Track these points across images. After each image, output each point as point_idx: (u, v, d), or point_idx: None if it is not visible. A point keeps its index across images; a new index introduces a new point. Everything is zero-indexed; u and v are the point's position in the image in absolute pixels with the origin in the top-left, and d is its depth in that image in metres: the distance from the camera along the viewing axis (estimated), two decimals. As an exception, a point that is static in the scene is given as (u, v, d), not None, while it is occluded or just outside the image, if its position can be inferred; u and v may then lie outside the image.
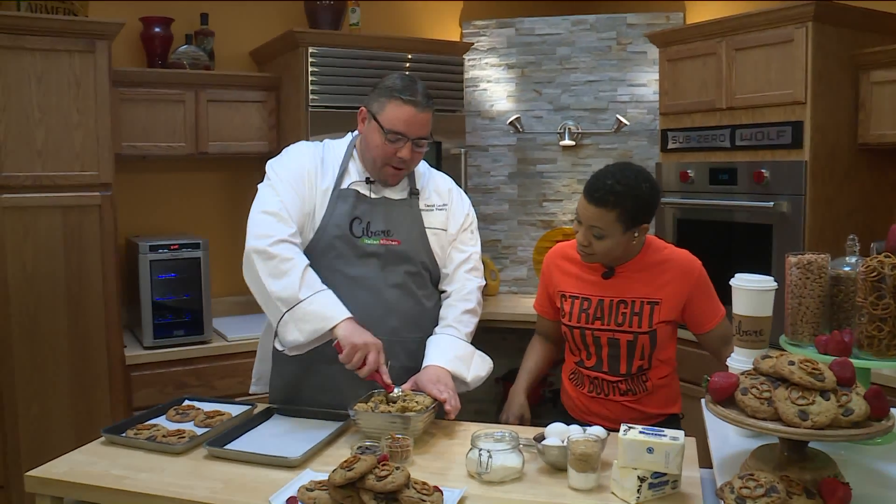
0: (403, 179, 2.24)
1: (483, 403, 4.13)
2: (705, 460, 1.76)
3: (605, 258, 2.17)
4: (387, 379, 2.00)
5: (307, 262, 2.06)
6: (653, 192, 2.12)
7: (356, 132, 2.26)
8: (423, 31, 4.38)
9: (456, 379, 2.12)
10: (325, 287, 2.04)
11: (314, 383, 2.19)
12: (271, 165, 2.20)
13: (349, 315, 2.00)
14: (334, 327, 1.97)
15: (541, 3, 4.64)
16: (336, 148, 2.26)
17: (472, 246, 2.32)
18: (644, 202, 2.09)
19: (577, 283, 2.26)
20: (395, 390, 1.99)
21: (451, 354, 2.14)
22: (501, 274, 4.38)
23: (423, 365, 2.12)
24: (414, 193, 2.25)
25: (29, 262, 2.98)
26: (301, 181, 2.15)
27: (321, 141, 2.30)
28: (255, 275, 2.04)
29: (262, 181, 2.19)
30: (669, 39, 3.63)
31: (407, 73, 2.95)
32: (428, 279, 2.28)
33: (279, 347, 2.11)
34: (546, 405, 4.01)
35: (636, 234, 2.13)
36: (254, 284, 2.06)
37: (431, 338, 2.20)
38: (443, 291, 2.31)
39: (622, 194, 2.05)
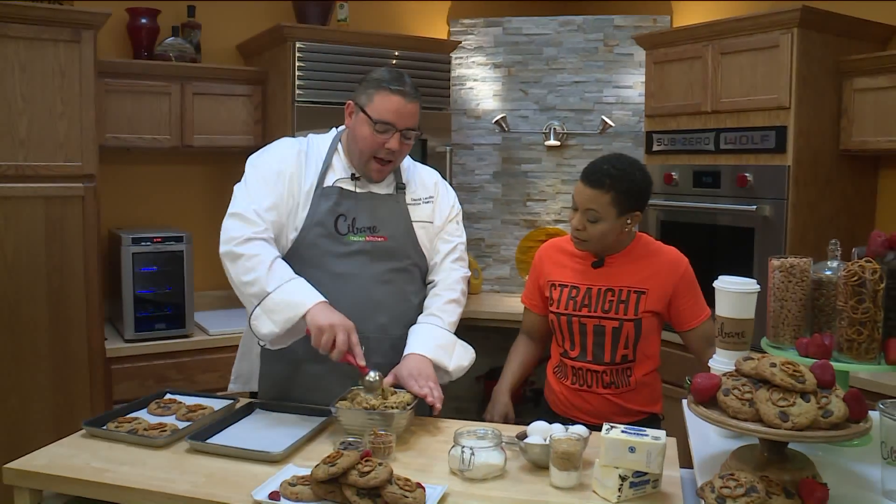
0: (389, 174, 2.25)
1: (463, 402, 4.13)
2: (685, 461, 1.77)
3: (598, 244, 2.22)
4: (360, 361, 1.95)
5: (276, 255, 2.04)
6: (645, 180, 2.21)
7: (341, 127, 2.26)
8: (410, 28, 4.37)
9: (438, 368, 2.12)
10: (294, 276, 2.01)
11: (302, 383, 2.18)
12: (251, 161, 2.19)
13: (321, 299, 1.97)
14: (305, 313, 1.94)
15: (528, 3, 4.66)
16: (320, 143, 2.25)
17: (457, 236, 2.34)
18: (637, 188, 2.18)
19: (568, 272, 2.31)
20: (371, 374, 1.95)
21: (433, 343, 2.14)
22: (484, 273, 4.38)
23: (405, 353, 2.11)
24: (400, 188, 2.26)
25: (10, 252, 2.94)
26: (278, 178, 2.13)
27: (305, 136, 2.29)
28: (229, 278, 2.05)
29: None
30: (656, 42, 3.64)
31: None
32: (417, 275, 2.28)
33: (260, 343, 2.10)
34: (527, 404, 4.02)
35: (629, 222, 2.20)
36: (233, 288, 2.06)
37: (414, 326, 2.20)
38: (429, 282, 2.32)
39: (617, 178, 2.14)
